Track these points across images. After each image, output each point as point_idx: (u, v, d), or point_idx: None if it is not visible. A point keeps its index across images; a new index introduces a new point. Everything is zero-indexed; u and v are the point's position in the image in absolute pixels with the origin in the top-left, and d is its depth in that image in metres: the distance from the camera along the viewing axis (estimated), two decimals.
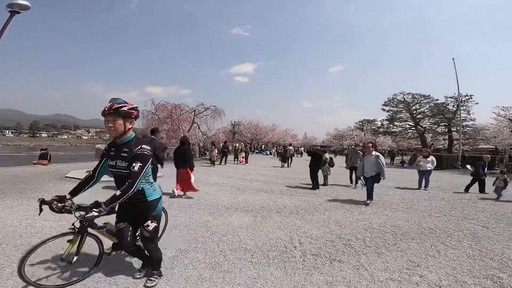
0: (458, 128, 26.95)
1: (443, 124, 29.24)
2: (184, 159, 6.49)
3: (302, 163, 19.61)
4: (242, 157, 19.06)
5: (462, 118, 27.63)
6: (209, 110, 21.82)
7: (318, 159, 9.04)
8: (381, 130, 34.69)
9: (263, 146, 46.14)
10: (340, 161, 17.85)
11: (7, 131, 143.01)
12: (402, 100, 30.90)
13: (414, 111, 30.57)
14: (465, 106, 28.02)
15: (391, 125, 32.75)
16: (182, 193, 6.53)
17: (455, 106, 28.25)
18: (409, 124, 31.63)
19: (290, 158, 18.06)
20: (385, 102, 32.49)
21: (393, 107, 31.94)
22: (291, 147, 19.23)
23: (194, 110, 21.23)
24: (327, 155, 9.99)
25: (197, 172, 9.08)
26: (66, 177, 8.72)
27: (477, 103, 27.60)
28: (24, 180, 7.86)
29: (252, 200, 6.59)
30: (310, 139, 76.12)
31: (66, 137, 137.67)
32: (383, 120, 33.39)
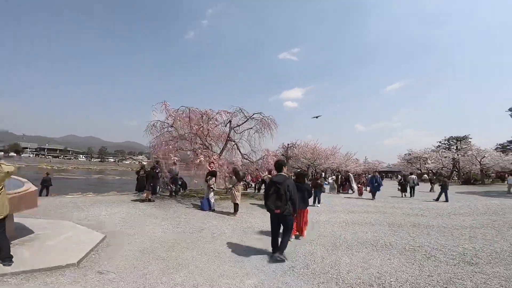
0: None
1: None
2: None
3: None
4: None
5: None
6: (252, 120, 14.82)
7: None
8: (509, 146, 23.31)
9: (323, 173, 37.64)
10: None
11: (81, 155, 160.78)
12: None
13: None
14: None
15: None
16: None
17: None
18: None
19: (412, 189, 16.83)
20: None
21: None
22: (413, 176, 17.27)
23: (230, 121, 14.54)
24: None
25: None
26: None
27: None
28: None
29: None
30: (374, 164, 65.97)
31: (129, 162, 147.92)
32: None
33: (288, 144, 33.35)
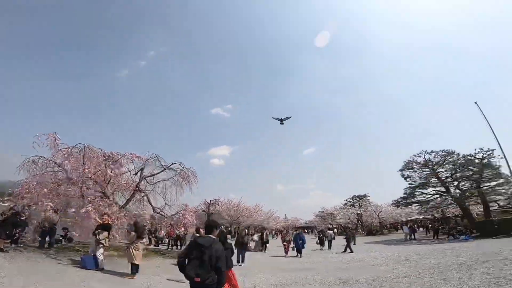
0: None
1: (470, 185, 23.26)
2: None
3: None
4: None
5: (489, 177, 22.23)
6: (170, 171, 13.00)
7: None
8: (401, 202, 27.39)
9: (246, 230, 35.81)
10: None
11: None
12: (424, 162, 25.04)
13: (444, 173, 24.43)
14: (489, 162, 22.71)
15: (414, 195, 25.92)
16: None
17: (480, 163, 22.90)
18: (436, 191, 24.94)
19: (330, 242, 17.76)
20: (402, 167, 26.54)
21: (414, 171, 25.82)
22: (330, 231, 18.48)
23: (142, 169, 12.33)
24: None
25: None
26: None
27: (501, 157, 21.93)
28: None
29: None
30: (293, 221, 69.92)
31: None
32: (407, 188, 26.64)
33: (210, 201, 31.26)
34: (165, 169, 12.79)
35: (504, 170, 21.62)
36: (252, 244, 17.11)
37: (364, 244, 20.04)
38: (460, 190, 23.76)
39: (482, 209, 24.70)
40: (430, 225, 29.67)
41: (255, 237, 19.06)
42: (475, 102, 19.82)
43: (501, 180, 22.37)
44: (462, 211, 24.59)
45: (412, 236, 22.42)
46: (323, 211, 55.65)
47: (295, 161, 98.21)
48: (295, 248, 14.85)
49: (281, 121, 27.40)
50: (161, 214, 12.40)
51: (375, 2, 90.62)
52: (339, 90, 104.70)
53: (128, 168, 12.02)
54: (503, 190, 22.74)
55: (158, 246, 16.81)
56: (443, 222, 30.66)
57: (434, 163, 25.00)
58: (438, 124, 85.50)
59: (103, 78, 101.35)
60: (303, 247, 14.95)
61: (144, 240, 7.59)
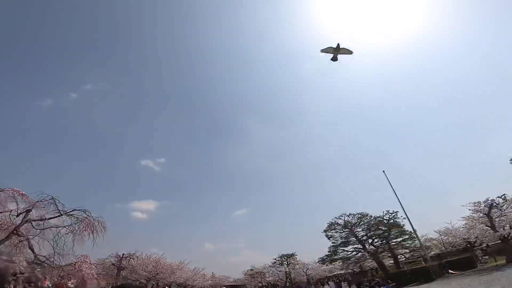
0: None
1: (381, 241, 26.98)
2: None
3: None
4: None
5: (396, 234, 26.34)
6: (70, 218, 10.75)
7: None
8: (326, 259, 28.80)
9: None
10: None
11: None
12: (344, 223, 27.65)
13: (360, 232, 27.11)
14: (395, 221, 26.77)
15: (337, 252, 27.68)
16: None
17: (387, 223, 26.82)
18: (355, 248, 27.15)
19: None
20: (326, 228, 28.75)
21: (336, 232, 28.10)
22: None
23: (28, 211, 9.83)
24: None
25: None
26: None
27: (404, 217, 26.09)
28: None
29: None
30: (221, 278, 64.86)
31: None
32: (330, 246, 28.49)
33: (123, 254, 26.64)
34: (61, 214, 10.57)
35: (407, 227, 25.55)
36: None
37: None
38: (374, 246, 26.89)
39: (392, 262, 28.43)
40: (350, 279, 31.51)
41: None
42: (383, 171, 23.25)
43: (406, 236, 26.07)
44: (378, 264, 27.17)
45: None
46: (253, 269, 54.21)
47: (225, 221, 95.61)
48: None
49: (336, 52, 15.95)
50: (45, 264, 9.77)
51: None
52: (275, 154, 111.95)
53: (7, 208, 9.44)
54: (407, 244, 26.95)
55: None
56: (361, 276, 33.14)
57: (352, 224, 28.18)
58: (354, 188, 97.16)
59: (18, 103, 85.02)
60: None
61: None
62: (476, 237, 24.08)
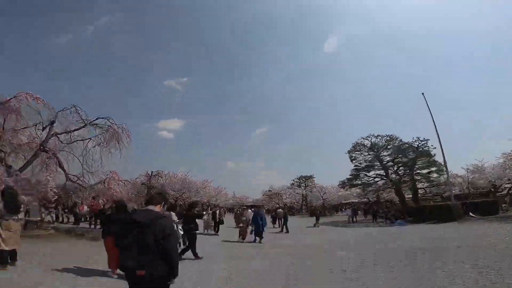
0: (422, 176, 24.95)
1: (405, 171, 25.46)
2: None
3: None
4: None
5: (422, 165, 24.70)
6: (95, 128, 10.12)
7: None
8: (347, 183, 28.48)
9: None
10: None
11: None
12: (371, 145, 26.13)
13: (386, 157, 25.87)
14: (424, 151, 24.59)
15: (359, 177, 27.14)
16: None
17: (416, 151, 24.81)
18: (377, 175, 26.41)
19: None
20: (350, 148, 27.38)
21: (361, 154, 26.89)
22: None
23: (52, 122, 9.24)
24: None
25: None
26: None
27: (435, 147, 23.36)
28: None
29: None
30: (241, 198, 70.35)
31: None
32: (353, 169, 27.65)
33: (152, 172, 28.13)
34: (86, 124, 9.89)
35: (437, 158, 23.79)
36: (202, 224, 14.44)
37: (313, 226, 19.68)
38: (397, 175, 25.67)
39: (410, 196, 27.04)
40: (366, 209, 31.49)
41: (205, 216, 16.63)
42: (422, 93, 20.45)
43: (433, 168, 24.50)
44: (398, 196, 26.28)
45: (354, 219, 23.40)
46: (271, 190, 56.65)
47: (246, 140, 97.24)
48: (253, 232, 11.78)
49: None
50: (77, 184, 9.61)
51: None
52: (294, 76, 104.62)
53: (26, 119, 8.79)
54: (432, 178, 25.05)
55: (79, 225, 13.83)
56: (377, 206, 33.36)
57: (378, 146, 26.36)
58: (387, 109, 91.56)
59: (37, 40, 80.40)
60: (263, 230, 11.90)
61: (20, 215, 5.03)
62: (509, 180, 23.06)
